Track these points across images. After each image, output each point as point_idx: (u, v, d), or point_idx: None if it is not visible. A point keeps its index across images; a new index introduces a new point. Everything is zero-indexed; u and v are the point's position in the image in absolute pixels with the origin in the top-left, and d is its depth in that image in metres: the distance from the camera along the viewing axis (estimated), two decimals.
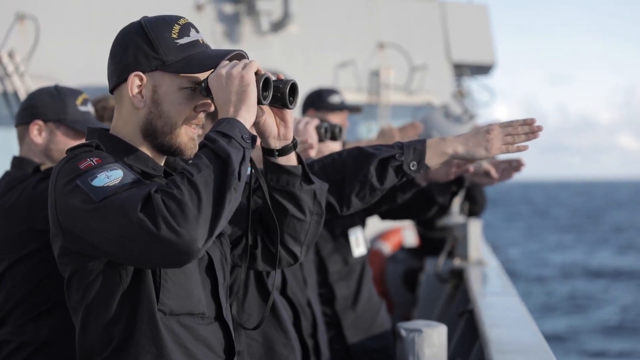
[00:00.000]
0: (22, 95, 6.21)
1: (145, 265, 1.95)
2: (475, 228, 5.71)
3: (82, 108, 3.09)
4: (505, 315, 3.94)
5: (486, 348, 3.10)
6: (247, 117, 2.01)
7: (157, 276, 2.01)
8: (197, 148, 2.09)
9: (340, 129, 3.30)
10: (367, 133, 9.24)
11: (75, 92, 3.12)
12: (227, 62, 2.06)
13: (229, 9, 8.40)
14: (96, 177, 1.93)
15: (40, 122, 3.04)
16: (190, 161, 1.93)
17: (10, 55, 6.25)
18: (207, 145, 1.93)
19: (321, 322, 3.32)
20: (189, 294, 2.06)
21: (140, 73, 2.06)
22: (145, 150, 2.12)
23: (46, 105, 3.04)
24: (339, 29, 9.38)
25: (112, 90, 2.14)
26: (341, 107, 4.67)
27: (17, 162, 3.06)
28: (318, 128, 3.20)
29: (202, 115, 2.13)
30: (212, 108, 2.12)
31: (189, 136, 2.11)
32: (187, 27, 2.09)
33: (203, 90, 2.08)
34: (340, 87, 8.32)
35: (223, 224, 1.89)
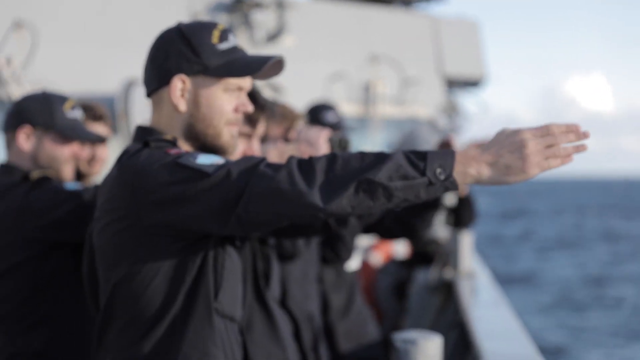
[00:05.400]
0: None
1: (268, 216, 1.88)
2: (466, 240, 5.76)
3: (70, 114, 3.04)
4: (498, 328, 3.99)
5: None
6: (481, 172, 1.85)
7: (217, 274, 2.05)
8: (237, 145, 2.14)
9: (349, 142, 3.35)
10: (358, 145, 9.30)
11: (63, 98, 3.06)
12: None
13: (223, 19, 8.45)
14: (197, 157, 1.93)
15: (28, 128, 2.98)
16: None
17: (8, 61, 6.26)
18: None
19: (322, 335, 3.35)
20: (236, 298, 2.13)
21: (183, 76, 2.10)
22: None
23: (34, 111, 2.98)
24: (332, 41, 9.44)
25: (149, 94, 2.18)
26: (335, 127, 4.69)
27: (3, 169, 2.99)
28: (330, 140, 3.25)
29: (241, 115, 2.17)
30: (251, 108, 2.17)
31: (231, 134, 2.15)
32: (225, 33, 2.15)
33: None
34: (332, 99, 8.39)
35: (343, 206, 1.83)
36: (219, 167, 1.90)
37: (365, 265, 7.37)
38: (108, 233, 2.06)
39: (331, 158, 1.86)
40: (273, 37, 8.50)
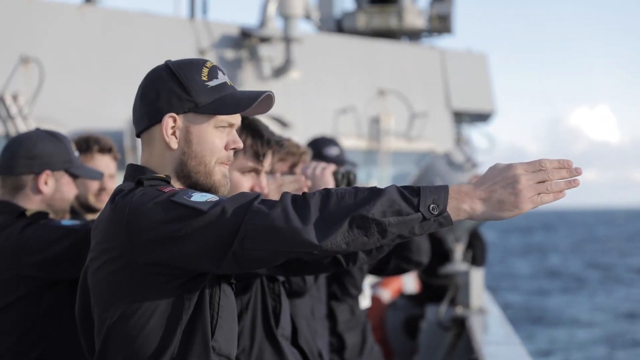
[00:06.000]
0: None
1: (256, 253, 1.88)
2: (477, 276, 5.70)
3: (75, 153, 3.07)
4: None
5: None
6: (474, 208, 1.87)
7: (214, 312, 2.02)
8: (229, 184, 2.13)
9: (355, 176, 3.30)
10: (366, 179, 9.25)
11: (67, 138, 3.09)
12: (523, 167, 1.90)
13: (230, 54, 8.47)
14: (192, 195, 1.93)
15: (49, 172, 2.96)
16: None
17: (14, 97, 6.26)
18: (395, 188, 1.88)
19: None
20: (233, 336, 2.08)
21: (174, 114, 2.09)
22: None
23: (53, 155, 2.98)
24: (340, 75, 9.44)
25: (140, 133, 2.16)
26: (338, 161, 4.63)
27: (1, 206, 2.93)
28: (335, 174, 3.21)
29: (232, 153, 2.15)
30: (242, 146, 2.16)
31: (222, 173, 2.13)
32: (214, 70, 2.14)
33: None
34: (340, 134, 8.36)
35: (337, 242, 1.83)
36: (214, 204, 1.89)
37: (374, 301, 7.30)
38: (103, 273, 2.03)
39: (325, 194, 1.86)
40: (280, 71, 8.50)
